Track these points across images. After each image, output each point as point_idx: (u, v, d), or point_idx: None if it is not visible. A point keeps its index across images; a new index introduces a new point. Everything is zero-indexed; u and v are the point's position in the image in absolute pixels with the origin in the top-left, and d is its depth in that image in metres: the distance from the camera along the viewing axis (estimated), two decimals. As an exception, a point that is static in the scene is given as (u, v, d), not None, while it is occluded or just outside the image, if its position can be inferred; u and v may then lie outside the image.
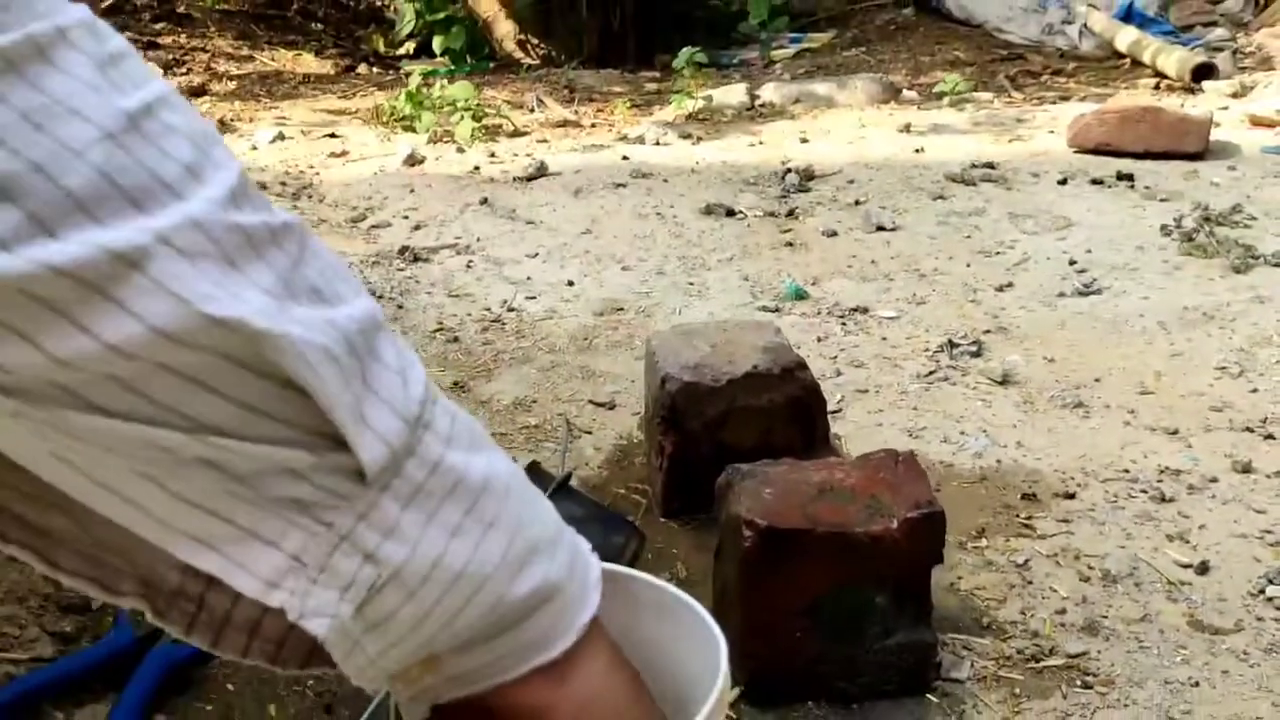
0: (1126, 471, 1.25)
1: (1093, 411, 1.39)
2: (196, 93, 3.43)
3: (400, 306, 1.73)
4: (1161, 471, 1.25)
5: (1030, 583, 1.07)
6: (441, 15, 4.21)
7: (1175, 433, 1.33)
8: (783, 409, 1.15)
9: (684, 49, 3.26)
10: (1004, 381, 1.46)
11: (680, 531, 1.16)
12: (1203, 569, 1.08)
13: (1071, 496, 1.21)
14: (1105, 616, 1.02)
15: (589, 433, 1.35)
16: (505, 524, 0.38)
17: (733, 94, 3.12)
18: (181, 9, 4.57)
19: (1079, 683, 0.95)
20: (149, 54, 3.75)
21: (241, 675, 0.93)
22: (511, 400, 1.43)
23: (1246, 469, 1.25)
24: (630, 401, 1.41)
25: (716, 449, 1.13)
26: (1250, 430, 1.33)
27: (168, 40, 4.25)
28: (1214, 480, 1.23)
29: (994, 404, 1.41)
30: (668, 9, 4.19)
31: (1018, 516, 1.18)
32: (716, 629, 0.74)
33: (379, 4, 4.83)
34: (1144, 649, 0.99)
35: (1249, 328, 1.59)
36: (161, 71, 3.76)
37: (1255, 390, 1.43)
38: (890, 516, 0.91)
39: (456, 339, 1.61)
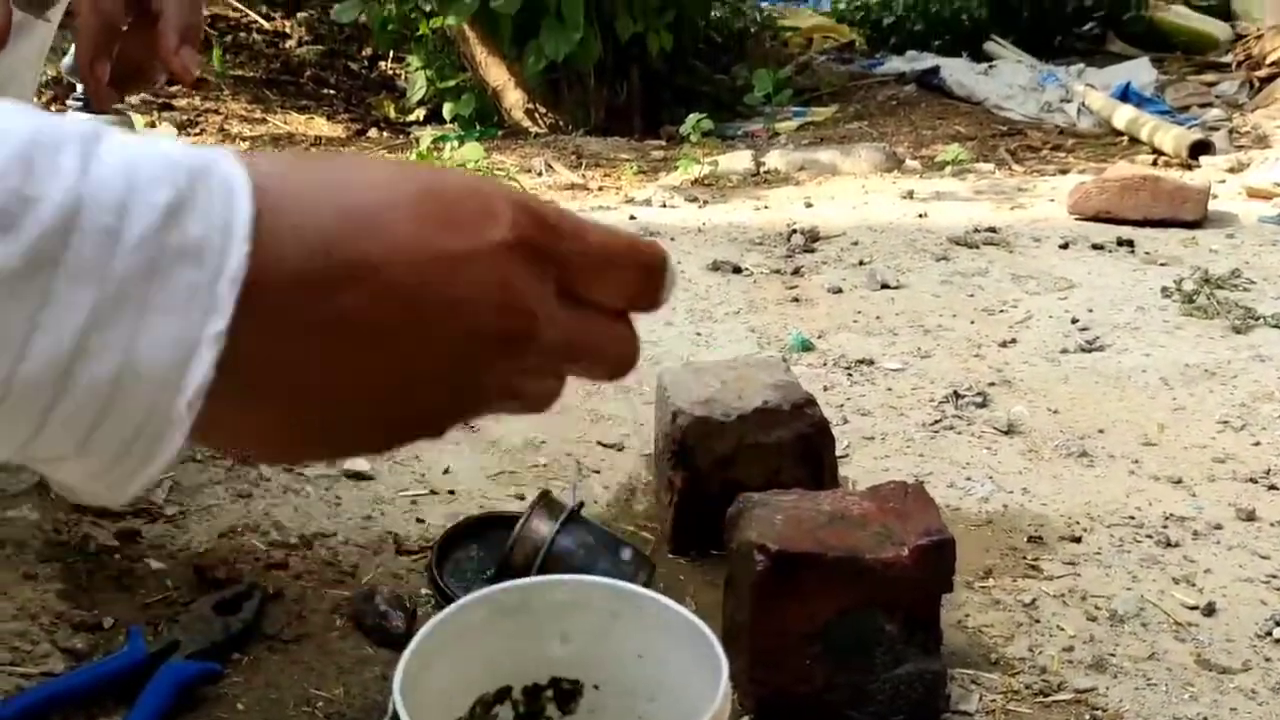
0: (1132, 518, 1.26)
1: (1097, 461, 1.40)
2: (211, 151, 3.49)
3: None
4: (1166, 518, 1.26)
5: (1038, 621, 1.08)
6: (452, 83, 4.30)
7: (1179, 482, 1.34)
8: (792, 446, 1.16)
9: (691, 116, 3.33)
10: (1009, 431, 1.47)
11: (689, 568, 1.17)
12: (1209, 610, 1.09)
13: (1078, 540, 1.22)
14: (1113, 654, 1.03)
15: (597, 472, 1.36)
16: None
17: (738, 160, 3.17)
18: (197, 73, 4.67)
19: (1087, 717, 0.95)
20: (164, 114, 3.82)
21: (252, 694, 0.93)
22: (521, 441, 1.44)
23: (1250, 517, 1.26)
24: (638, 444, 1.43)
25: (725, 486, 1.14)
26: (1253, 481, 1.35)
27: (183, 103, 4.34)
28: (1218, 527, 1.24)
29: (999, 452, 1.42)
30: (673, 83, 4.28)
31: (1024, 558, 1.18)
32: (720, 650, 0.74)
33: (390, 72, 4.94)
34: (1152, 686, 0.99)
35: (1250, 384, 1.61)
36: (176, 132, 3.84)
37: (1258, 444, 1.44)
38: (901, 544, 0.92)
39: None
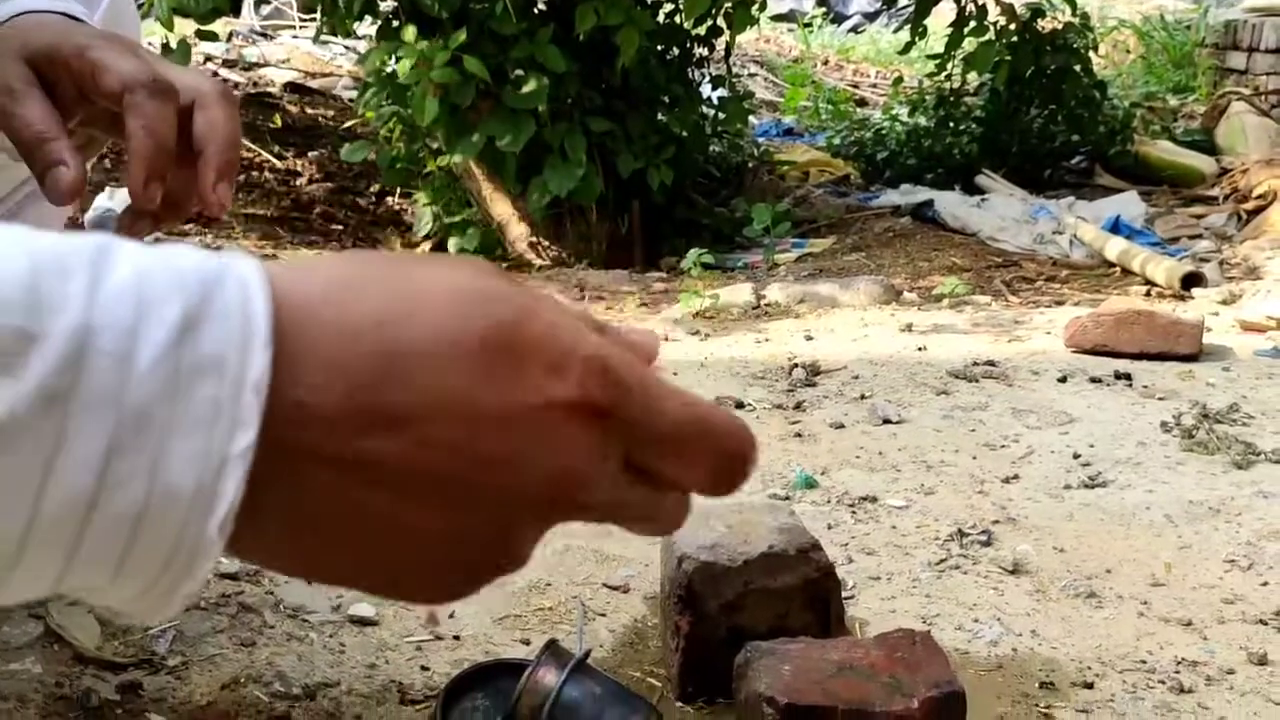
0: (1143, 662, 1.25)
1: (1106, 601, 1.39)
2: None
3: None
4: (1179, 662, 1.25)
5: (1053, 773, 1.06)
6: (458, 218, 4.41)
7: (1189, 624, 1.33)
8: (799, 591, 1.16)
9: (691, 250, 3.40)
10: (1015, 571, 1.47)
11: (696, 716, 1.15)
12: (1227, 761, 1.07)
13: (1090, 686, 1.20)
14: (1131, 809, 1.01)
15: (603, 615, 1.35)
16: None
17: (739, 293, 3.23)
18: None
19: None
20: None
21: None
22: (526, 583, 1.43)
23: (1263, 660, 1.24)
24: (643, 585, 1.42)
25: (732, 632, 1.14)
26: (1264, 623, 1.34)
27: (195, 238, 4.44)
28: (1231, 672, 1.23)
29: (1006, 593, 1.42)
30: (673, 216, 4.39)
31: (1037, 706, 1.17)
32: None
33: (397, 207, 5.06)
34: (1173, 843, 0.96)
35: (1255, 522, 1.61)
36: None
37: (1266, 583, 1.44)
38: (910, 695, 0.91)
39: (471, 522, 1.63)
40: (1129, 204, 4.26)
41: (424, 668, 1.21)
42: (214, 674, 1.14)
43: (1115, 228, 3.90)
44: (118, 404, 0.29)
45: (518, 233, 4.33)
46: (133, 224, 0.80)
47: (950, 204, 4.42)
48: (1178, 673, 1.22)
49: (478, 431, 0.33)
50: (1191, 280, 3.15)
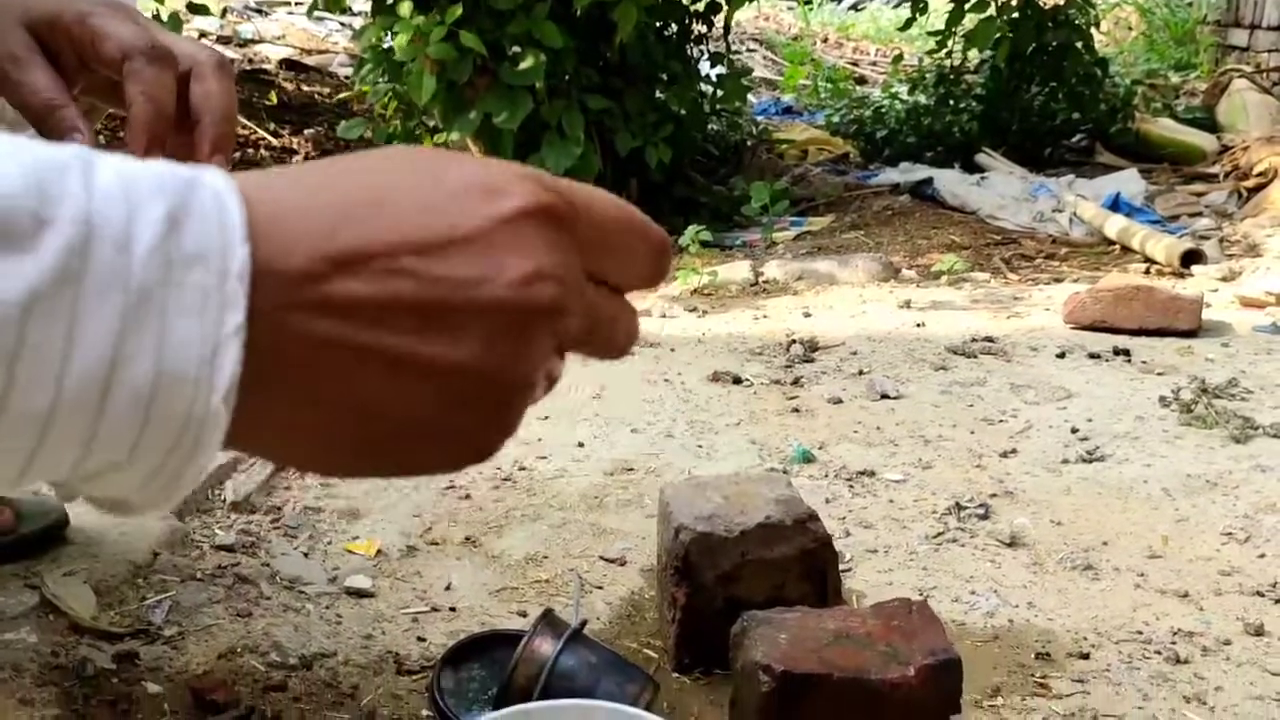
0: (1140, 633, 1.25)
1: (1102, 574, 1.39)
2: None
3: (413, 464, 1.75)
4: (1175, 633, 1.25)
5: (1048, 742, 1.06)
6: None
7: (1186, 596, 1.33)
8: (795, 562, 1.16)
9: (690, 227, 3.39)
10: (1012, 543, 1.47)
11: (693, 687, 1.15)
12: (1222, 730, 1.07)
13: (1086, 657, 1.20)
14: (1126, 777, 1.01)
15: (600, 588, 1.35)
16: None
17: (737, 271, 3.22)
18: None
19: (1103, 844, 0.92)
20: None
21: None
22: (523, 555, 1.43)
23: (1259, 632, 1.25)
24: (640, 558, 1.42)
25: (729, 603, 1.14)
26: (1260, 594, 1.34)
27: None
28: (1227, 643, 1.23)
29: (1003, 565, 1.42)
30: (672, 194, 4.37)
31: (1033, 676, 1.17)
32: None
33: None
34: (1168, 810, 0.97)
35: (1252, 495, 1.61)
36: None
37: (1262, 555, 1.43)
38: (907, 663, 0.91)
39: (468, 496, 1.62)
40: (1129, 182, 4.25)
41: (420, 638, 1.21)
42: (210, 644, 1.14)
43: (1115, 205, 3.89)
44: (124, 286, 0.31)
45: (516, 211, 4.31)
46: None
47: (950, 182, 4.41)
48: (1174, 643, 1.22)
49: (440, 254, 0.35)
50: (1191, 257, 3.14)
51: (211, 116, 0.80)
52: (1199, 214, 3.99)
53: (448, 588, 1.33)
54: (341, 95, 5.28)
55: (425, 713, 1.07)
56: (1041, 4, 4.79)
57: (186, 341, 0.32)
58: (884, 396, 2.06)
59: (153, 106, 0.77)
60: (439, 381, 0.35)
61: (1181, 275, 3.08)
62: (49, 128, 0.77)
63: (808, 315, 2.72)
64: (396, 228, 0.35)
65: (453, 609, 1.28)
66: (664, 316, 2.75)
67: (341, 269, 0.34)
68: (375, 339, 0.34)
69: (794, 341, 2.40)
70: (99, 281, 0.31)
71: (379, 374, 0.35)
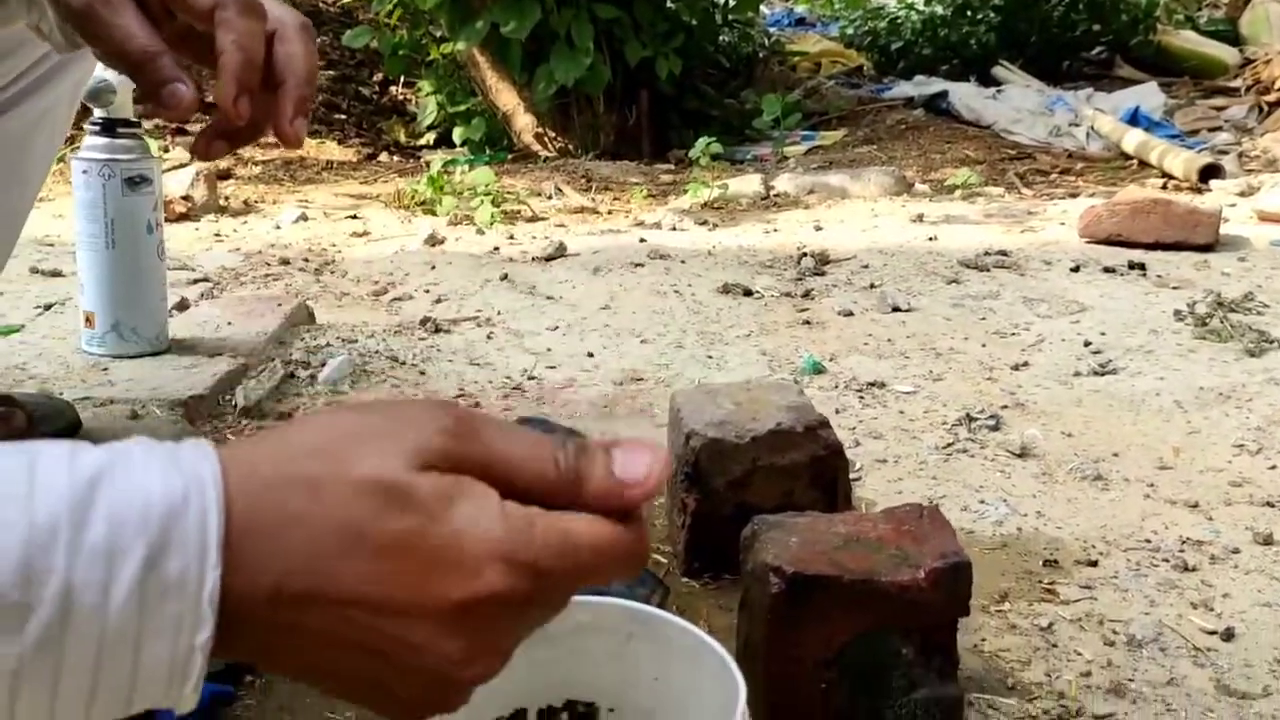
0: (1148, 541, 1.25)
1: (1112, 484, 1.39)
2: (222, 176, 3.51)
3: (422, 373, 1.75)
4: (1183, 542, 1.25)
5: (1055, 646, 1.07)
6: (463, 107, 4.33)
7: (1195, 506, 1.33)
8: (806, 468, 1.15)
9: (700, 139, 3.34)
10: (1022, 454, 1.46)
11: (701, 591, 1.16)
12: (1228, 636, 1.08)
13: (1094, 564, 1.21)
14: (1131, 680, 1.02)
15: (610, 495, 1.36)
16: None
17: (748, 184, 3.18)
18: (209, 99, 4.70)
19: (1107, 743, 0.94)
20: (177, 138, 3.84)
21: (266, 716, 0.92)
22: (532, 463, 1.43)
23: (1268, 540, 1.25)
24: (650, 466, 1.42)
25: (738, 509, 1.14)
26: (1271, 505, 1.34)
27: (195, 127, 4.37)
28: (1236, 551, 1.23)
29: (1013, 475, 1.42)
30: (682, 107, 4.30)
31: (1040, 582, 1.17)
32: (737, 672, 0.74)
33: (401, 97, 4.97)
34: (1171, 712, 0.97)
35: (1265, 408, 1.60)
36: (189, 157, 3.86)
37: (1274, 467, 1.43)
38: (917, 567, 0.91)
39: (478, 404, 1.62)
40: (1148, 95, 4.17)
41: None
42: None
43: (1134, 119, 3.82)
44: (99, 637, 0.38)
45: (523, 123, 4.25)
46: (209, 145, 0.81)
47: (965, 95, 4.34)
48: (1182, 551, 1.23)
49: (393, 617, 0.41)
50: (1209, 172, 3.09)
51: (295, 79, 0.80)
52: (1218, 128, 3.93)
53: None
54: (345, 1, 5.18)
55: (437, 613, 1.08)
56: (1064, -90, 4.66)
57: (158, 658, 0.39)
58: (895, 309, 2.04)
59: (244, 55, 0.77)
60: (387, 685, 0.43)
61: (1199, 190, 3.03)
62: (145, 74, 0.77)
63: (819, 229, 2.69)
64: (348, 587, 0.40)
65: (463, 514, 1.28)
66: (674, 229, 2.73)
67: (299, 605, 0.40)
68: (318, 658, 0.42)
69: (805, 254, 2.38)
70: (78, 638, 0.37)
71: (327, 672, 0.43)
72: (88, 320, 1.66)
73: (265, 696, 0.95)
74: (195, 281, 2.20)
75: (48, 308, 1.97)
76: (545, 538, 0.43)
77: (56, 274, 2.17)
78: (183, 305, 1.96)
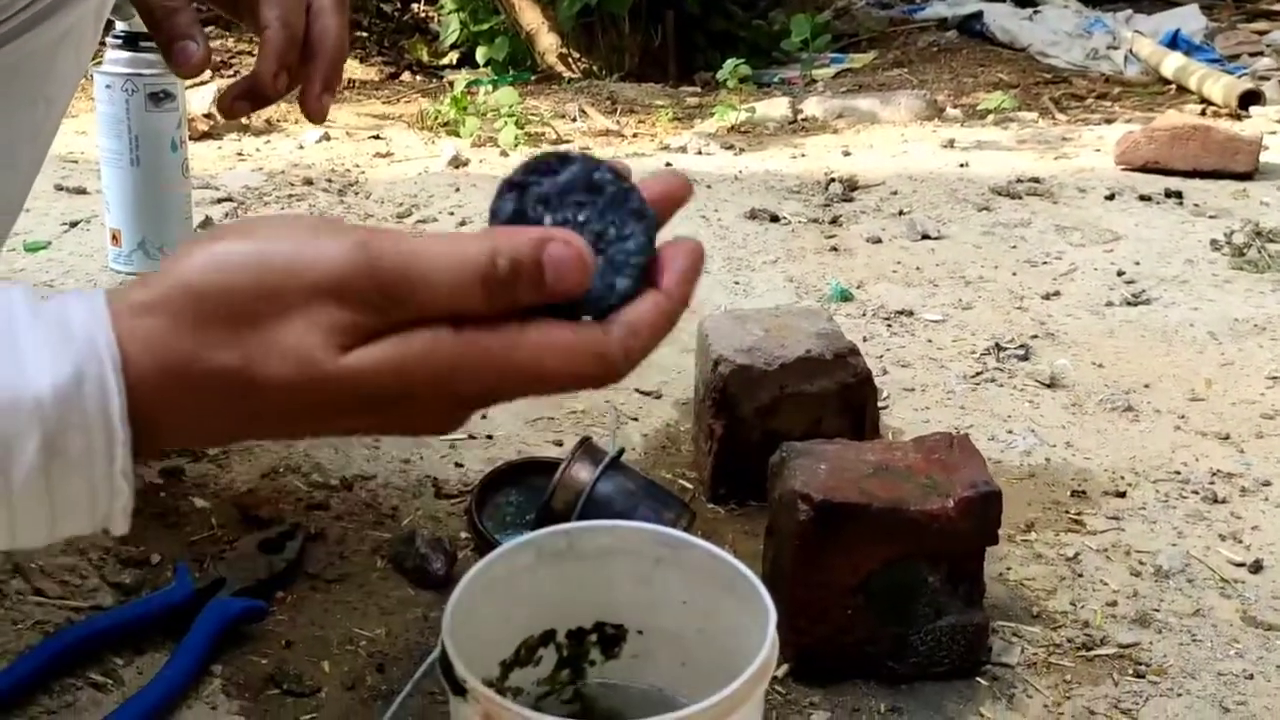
0: (1177, 473, 1.25)
1: (1142, 415, 1.38)
2: (245, 94, 3.48)
3: (447, 296, 1.75)
4: (1213, 474, 1.24)
5: (1080, 575, 1.07)
6: (486, 26, 4.25)
7: (1227, 438, 1.32)
8: (834, 396, 1.15)
9: (728, 60, 3.28)
10: (1052, 384, 1.45)
11: (727, 517, 1.16)
12: (1256, 568, 1.07)
13: (1122, 495, 1.20)
14: (1157, 610, 1.02)
15: (635, 419, 1.36)
16: None
17: (775, 108, 3.13)
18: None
19: (1131, 671, 0.94)
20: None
21: (297, 631, 0.94)
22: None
23: (1300, 474, 1.24)
24: (676, 391, 1.42)
25: (766, 435, 1.13)
26: (1303, 438, 1.32)
27: (216, 44, 4.32)
28: (1267, 484, 1.22)
29: (1041, 405, 1.41)
30: (709, 28, 4.21)
31: (1067, 512, 1.17)
32: (768, 597, 0.74)
33: (423, 15, 4.89)
34: (1197, 642, 0.98)
35: (1300, 340, 1.58)
36: (210, 73, 3.82)
37: (1307, 400, 1.42)
38: (946, 495, 0.91)
39: (503, 328, 1.62)
40: (1189, 18, 4.06)
41: (458, 464, 1.22)
42: (253, 464, 1.16)
43: (1174, 43, 3.72)
44: (8, 504, 0.42)
45: (547, 43, 4.18)
46: (233, 104, 0.86)
47: (1000, 16, 4.23)
48: (1212, 483, 1.22)
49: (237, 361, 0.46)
50: (1250, 98, 3.02)
51: (325, 55, 0.83)
52: (1260, 53, 3.82)
53: (484, 417, 1.33)
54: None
55: (464, 535, 1.09)
56: None
57: (79, 526, 0.46)
58: (924, 237, 2.02)
59: (287, 33, 0.80)
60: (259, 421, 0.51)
61: (1239, 117, 2.96)
62: (162, 29, 0.83)
63: (847, 154, 2.65)
64: (231, 354, 0.46)
65: (489, 437, 1.29)
66: (700, 153, 2.69)
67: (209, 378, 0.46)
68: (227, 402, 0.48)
69: (833, 180, 2.34)
70: None
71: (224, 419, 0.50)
72: (114, 238, 1.66)
73: (297, 612, 0.96)
74: (219, 201, 2.19)
75: (74, 224, 1.97)
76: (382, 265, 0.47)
77: (81, 191, 2.17)
78: (207, 224, 1.96)
